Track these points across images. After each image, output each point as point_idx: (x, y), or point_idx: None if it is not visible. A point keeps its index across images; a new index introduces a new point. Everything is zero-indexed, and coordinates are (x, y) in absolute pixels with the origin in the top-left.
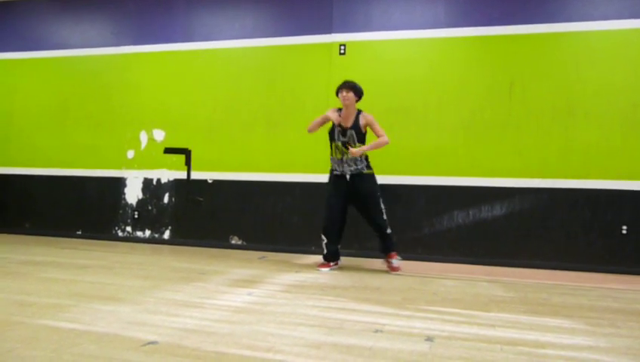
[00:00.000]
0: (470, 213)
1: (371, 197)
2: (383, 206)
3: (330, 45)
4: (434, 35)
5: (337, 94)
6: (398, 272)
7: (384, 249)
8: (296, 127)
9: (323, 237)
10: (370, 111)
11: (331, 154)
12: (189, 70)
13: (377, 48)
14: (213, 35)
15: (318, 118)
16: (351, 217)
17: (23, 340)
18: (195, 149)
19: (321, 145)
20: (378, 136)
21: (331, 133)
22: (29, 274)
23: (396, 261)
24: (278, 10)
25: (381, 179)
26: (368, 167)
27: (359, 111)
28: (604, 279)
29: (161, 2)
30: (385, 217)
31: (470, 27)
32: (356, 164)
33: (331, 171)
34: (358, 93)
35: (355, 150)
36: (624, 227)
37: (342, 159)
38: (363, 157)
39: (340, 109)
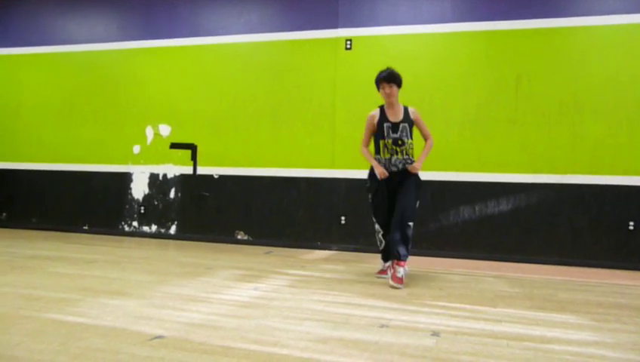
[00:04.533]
0: (476, 208)
1: (409, 190)
2: (417, 204)
3: (336, 40)
4: (440, 30)
5: (379, 89)
6: (398, 285)
7: (398, 253)
8: (302, 122)
9: (378, 230)
10: (375, 106)
11: (377, 153)
12: (195, 65)
13: (383, 43)
14: (219, 30)
15: (374, 163)
16: (359, 213)
17: (30, 334)
18: (201, 144)
19: (326, 140)
20: (425, 137)
21: (379, 130)
22: (36, 268)
23: (402, 271)
24: (283, 4)
25: None
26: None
27: (406, 108)
28: (610, 275)
29: None
30: (414, 214)
31: (476, 22)
32: (405, 165)
33: (372, 169)
34: (400, 83)
35: (417, 165)
36: (631, 223)
37: (390, 159)
38: (411, 157)
39: (381, 107)
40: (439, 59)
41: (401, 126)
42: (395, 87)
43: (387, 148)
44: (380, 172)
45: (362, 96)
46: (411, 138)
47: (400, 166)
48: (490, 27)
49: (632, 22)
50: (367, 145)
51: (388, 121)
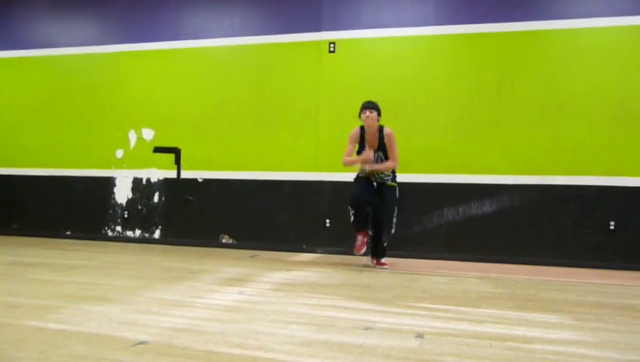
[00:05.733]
0: (460, 210)
1: (388, 207)
2: (395, 219)
3: (319, 43)
4: (423, 33)
5: (360, 116)
6: (384, 267)
7: (374, 251)
8: (286, 125)
9: (351, 213)
10: (359, 109)
11: (360, 167)
12: (178, 69)
13: (367, 46)
14: (201, 34)
15: (354, 158)
16: (344, 216)
17: (10, 342)
18: (185, 148)
19: (310, 143)
20: (391, 158)
21: (359, 153)
22: (16, 275)
23: (383, 261)
24: (266, 8)
25: None
26: (393, 180)
27: (381, 128)
28: (592, 274)
29: (150, 0)
30: (392, 228)
31: (459, 25)
32: (383, 179)
33: (357, 175)
34: (380, 112)
35: (368, 166)
36: (612, 223)
37: (369, 176)
38: (390, 171)
39: (361, 128)
40: (422, 61)
41: (376, 155)
42: (374, 113)
43: (365, 171)
44: (364, 157)
45: (346, 99)
46: (389, 161)
47: (379, 179)
48: (473, 30)
49: (612, 24)
50: (350, 155)
51: (365, 148)
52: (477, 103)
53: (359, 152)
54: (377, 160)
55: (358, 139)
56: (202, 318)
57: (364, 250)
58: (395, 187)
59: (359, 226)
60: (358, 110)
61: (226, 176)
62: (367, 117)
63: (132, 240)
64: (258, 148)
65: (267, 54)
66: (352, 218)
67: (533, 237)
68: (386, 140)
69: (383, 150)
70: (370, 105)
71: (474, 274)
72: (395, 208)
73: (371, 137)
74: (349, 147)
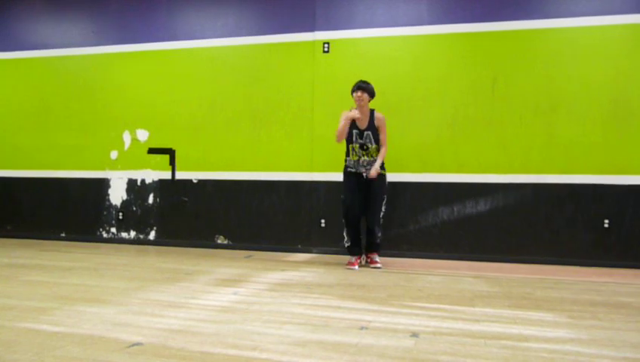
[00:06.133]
0: (455, 209)
1: (377, 195)
2: (384, 208)
3: (313, 43)
4: (417, 33)
5: (352, 94)
6: (377, 266)
7: (368, 246)
8: (280, 125)
9: (345, 226)
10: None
11: (347, 155)
12: (172, 69)
13: (361, 46)
14: (195, 34)
15: (342, 123)
16: (339, 216)
17: (4, 344)
18: (180, 149)
19: (305, 143)
20: (381, 144)
21: (349, 135)
22: (10, 277)
23: (377, 258)
24: (260, 8)
25: None
26: (382, 167)
27: (372, 111)
28: (586, 272)
29: (143, 1)
30: (381, 218)
31: (453, 24)
32: (371, 165)
33: (345, 168)
34: (372, 93)
35: (373, 173)
36: (606, 221)
37: (358, 161)
38: (376, 158)
39: (354, 109)
40: (417, 61)
41: (365, 133)
42: (365, 94)
43: (355, 152)
44: (350, 115)
45: (340, 98)
46: (376, 143)
47: (368, 166)
48: (467, 29)
49: (605, 23)
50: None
51: (356, 127)
52: (471, 102)
53: (349, 134)
54: (366, 139)
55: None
56: (197, 319)
57: (356, 267)
58: (385, 175)
59: (355, 252)
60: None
61: (221, 176)
62: (359, 97)
63: (127, 242)
64: (253, 149)
65: (261, 54)
66: (348, 242)
67: (528, 235)
68: (377, 123)
69: (372, 130)
70: (362, 86)
71: (469, 273)
72: (385, 196)
73: (363, 120)
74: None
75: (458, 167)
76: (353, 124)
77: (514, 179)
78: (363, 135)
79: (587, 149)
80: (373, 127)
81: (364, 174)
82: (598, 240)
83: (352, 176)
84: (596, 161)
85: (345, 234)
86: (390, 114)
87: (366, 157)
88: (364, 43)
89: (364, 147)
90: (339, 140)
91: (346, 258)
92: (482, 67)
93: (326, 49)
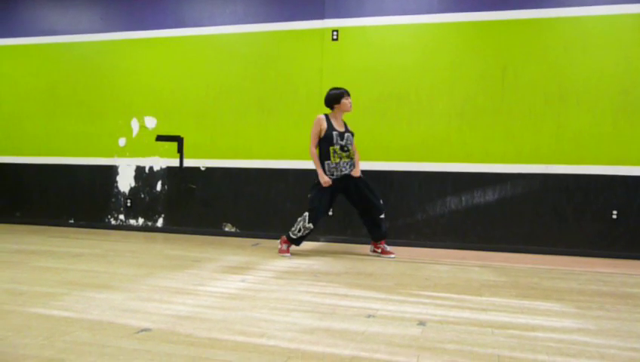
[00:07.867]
0: (463, 198)
1: (369, 186)
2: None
3: (322, 31)
4: (427, 21)
5: (340, 100)
6: (392, 256)
7: (379, 235)
8: (289, 114)
9: (309, 225)
10: (362, 98)
11: (327, 158)
12: (181, 56)
13: (370, 34)
14: (204, 21)
15: (320, 171)
16: (347, 205)
17: (15, 328)
18: (188, 136)
19: None
20: (356, 148)
21: (328, 138)
22: (20, 263)
23: (389, 249)
24: None
25: (373, 166)
26: None
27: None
28: (594, 263)
29: None
30: (381, 201)
31: (463, 12)
32: (351, 167)
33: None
34: None
35: (359, 171)
36: (614, 212)
37: (339, 163)
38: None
39: (326, 115)
40: (426, 50)
41: (346, 135)
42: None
43: (336, 154)
44: (325, 181)
45: (349, 86)
46: (353, 145)
47: (348, 168)
48: (476, 18)
49: (616, 12)
50: (316, 146)
51: (335, 129)
52: (480, 92)
53: (329, 137)
54: (346, 141)
55: (326, 126)
56: (205, 306)
57: (289, 254)
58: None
59: (299, 243)
60: (336, 95)
61: (229, 164)
62: (351, 103)
63: (135, 229)
64: (261, 137)
65: (270, 42)
66: (302, 233)
67: (536, 225)
68: (349, 127)
69: (349, 132)
70: (348, 92)
71: (477, 263)
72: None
73: (337, 122)
74: (316, 137)
75: (466, 156)
76: (331, 125)
77: (522, 169)
78: (344, 137)
79: (597, 140)
80: (349, 130)
81: (352, 174)
82: (606, 230)
83: (330, 186)
84: (605, 152)
85: (302, 228)
86: (398, 103)
87: (346, 159)
88: (373, 31)
89: (345, 148)
90: (312, 157)
91: (353, 246)
92: (492, 56)
93: (335, 37)
